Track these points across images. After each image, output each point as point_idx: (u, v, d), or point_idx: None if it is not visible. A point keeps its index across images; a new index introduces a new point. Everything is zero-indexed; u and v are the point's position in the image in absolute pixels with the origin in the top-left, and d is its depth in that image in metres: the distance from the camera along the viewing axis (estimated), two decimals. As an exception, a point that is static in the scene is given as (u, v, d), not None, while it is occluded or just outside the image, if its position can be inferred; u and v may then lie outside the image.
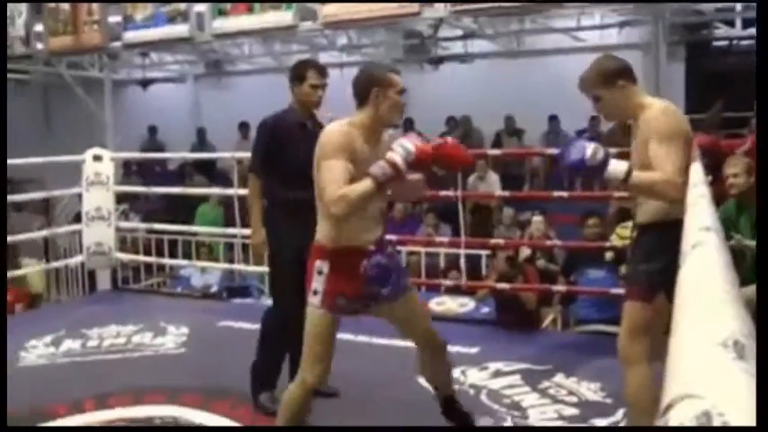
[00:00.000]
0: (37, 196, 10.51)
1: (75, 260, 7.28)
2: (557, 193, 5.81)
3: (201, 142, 13.59)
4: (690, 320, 1.23)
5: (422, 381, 4.32)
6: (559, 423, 3.76)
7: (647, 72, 10.19)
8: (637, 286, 3.08)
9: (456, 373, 4.41)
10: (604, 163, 2.89)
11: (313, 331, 3.06)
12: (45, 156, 7.32)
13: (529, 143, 11.64)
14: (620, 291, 5.80)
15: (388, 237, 7.13)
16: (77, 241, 7.24)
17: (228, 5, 8.86)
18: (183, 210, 10.08)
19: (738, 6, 10.30)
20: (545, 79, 11.31)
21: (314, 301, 3.03)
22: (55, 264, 7.59)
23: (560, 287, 5.97)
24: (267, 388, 4.02)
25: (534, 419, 3.65)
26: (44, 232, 7.95)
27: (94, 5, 9.89)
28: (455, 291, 6.45)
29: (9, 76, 13.42)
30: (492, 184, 9.38)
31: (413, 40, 12.53)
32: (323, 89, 4.08)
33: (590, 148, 2.91)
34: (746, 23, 10.95)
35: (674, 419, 0.84)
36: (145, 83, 15.12)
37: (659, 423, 0.88)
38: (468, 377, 4.41)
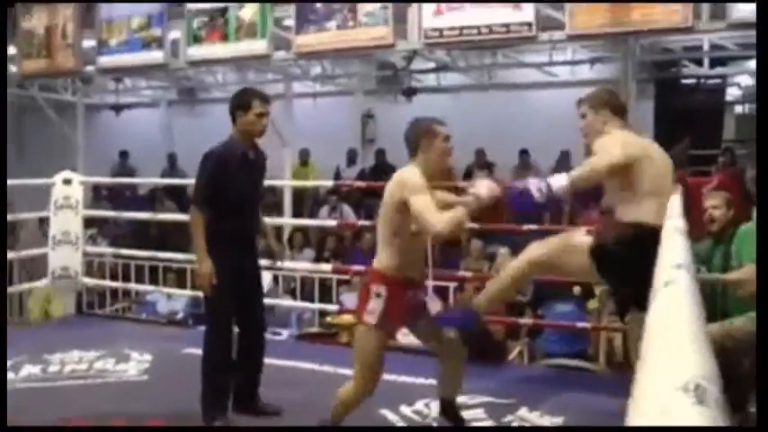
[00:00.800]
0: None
1: (40, 284, 7.19)
2: (526, 227, 5.84)
3: (172, 168, 13.55)
4: (653, 362, 1.24)
5: (385, 412, 4.32)
6: (521, 456, 3.76)
7: (617, 108, 10.34)
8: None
9: (420, 405, 4.41)
10: (551, 193, 3.24)
11: (368, 346, 3.49)
12: (16, 178, 7.25)
13: (500, 176, 11.72)
14: (587, 325, 5.87)
15: (356, 267, 7.14)
16: (43, 264, 7.16)
17: (203, 33, 8.89)
18: (152, 235, 10.02)
19: (706, 46, 10.50)
20: (516, 113, 11.44)
21: (369, 319, 3.42)
22: (19, 287, 7.49)
23: (527, 320, 5.99)
24: (220, 413, 4.03)
25: (497, 453, 3.65)
26: (10, 255, 7.85)
27: (69, 29, 9.88)
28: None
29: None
30: (462, 217, 9.39)
31: (386, 72, 12.63)
32: (267, 117, 4.09)
33: (533, 187, 3.29)
34: (714, 62, 11.16)
35: None
36: (118, 108, 15.09)
37: None
38: (433, 410, 4.39)
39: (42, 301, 7.59)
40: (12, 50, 10.47)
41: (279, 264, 4.83)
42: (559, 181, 3.27)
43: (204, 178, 3.99)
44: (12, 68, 10.54)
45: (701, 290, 3.25)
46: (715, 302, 3.88)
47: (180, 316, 7.77)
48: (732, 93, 11.70)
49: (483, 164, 11.94)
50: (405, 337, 6.21)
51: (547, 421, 4.20)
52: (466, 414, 4.33)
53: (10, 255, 7.82)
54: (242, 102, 4.05)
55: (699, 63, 11.24)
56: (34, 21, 10.14)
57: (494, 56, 11.57)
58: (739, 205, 4.25)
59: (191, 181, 6.28)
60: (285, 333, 6.91)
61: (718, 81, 11.73)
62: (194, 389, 4.31)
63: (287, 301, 7.22)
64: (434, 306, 3.80)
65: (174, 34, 9.32)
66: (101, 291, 7.68)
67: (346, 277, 7.33)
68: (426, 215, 3.22)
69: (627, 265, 3.27)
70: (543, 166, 10.89)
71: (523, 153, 11.59)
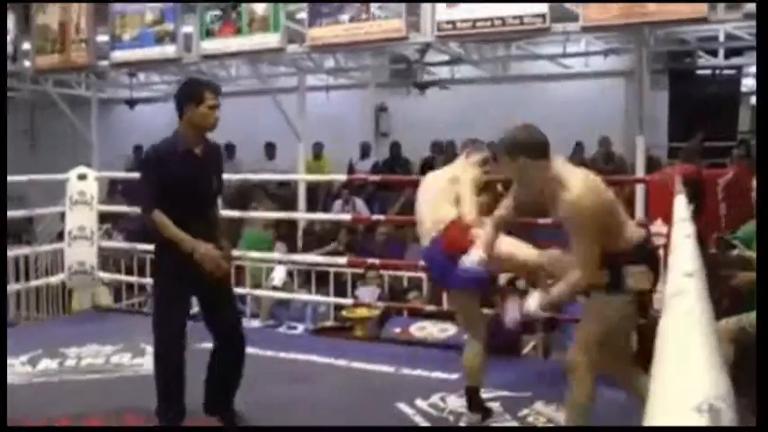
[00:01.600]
0: (19, 214, 10.50)
1: (56, 279, 7.23)
2: (542, 221, 5.81)
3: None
4: (666, 382, 1.23)
5: (401, 405, 4.33)
6: (538, 450, 3.75)
7: (631, 99, 10.29)
8: None
9: (436, 399, 4.41)
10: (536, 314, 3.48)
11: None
12: (29, 173, 7.29)
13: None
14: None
15: (371, 260, 7.12)
16: (59, 260, 7.20)
17: (216, 27, 8.89)
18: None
19: (721, 36, 10.42)
20: (530, 105, 11.39)
21: None
22: (35, 282, 7.52)
23: (543, 314, 5.96)
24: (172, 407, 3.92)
25: (513, 447, 3.64)
26: (26, 250, 7.90)
27: (82, 24, 9.90)
28: (437, 316, 6.44)
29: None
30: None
31: (399, 65, 12.60)
32: (218, 110, 3.80)
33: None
34: (729, 53, 11.08)
35: None
36: (131, 102, 15.12)
37: None
38: (449, 404, 4.40)
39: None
40: (26, 46, 10.51)
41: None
42: (535, 303, 3.42)
43: (145, 184, 3.78)
44: (26, 64, 10.57)
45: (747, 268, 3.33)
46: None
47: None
48: (747, 84, 11.61)
49: (494, 156, 11.88)
50: (420, 331, 6.23)
51: (562, 416, 4.18)
52: (481, 408, 4.34)
53: (26, 250, 7.88)
54: (192, 93, 3.75)
55: (714, 54, 11.17)
56: (48, 16, 10.15)
57: (507, 48, 11.53)
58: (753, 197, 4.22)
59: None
60: (300, 327, 6.92)
61: (733, 72, 11.64)
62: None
63: (302, 295, 7.22)
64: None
65: (187, 28, 9.32)
66: (116, 285, 7.70)
67: (360, 271, 7.32)
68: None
69: None
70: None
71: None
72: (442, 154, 11.91)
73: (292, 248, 8.80)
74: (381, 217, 8.63)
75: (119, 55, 9.77)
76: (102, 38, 9.94)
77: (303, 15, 8.59)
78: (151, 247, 6.81)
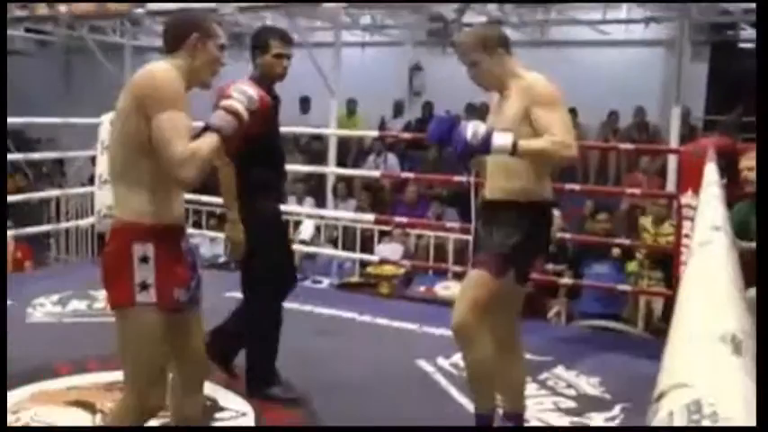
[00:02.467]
0: (51, 156, 10.62)
1: (86, 222, 7.32)
2: (568, 186, 5.79)
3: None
4: (690, 314, 1.23)
5: (422, 363, 4.36)
6: (556, 415, 3.77)
7: (670, 70, 10.12)
8: (489, 257, 3.00)
9: (457, 358, 4.43)
10: (487, 139, 2.83)
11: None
12: (64, 117, 7.35)
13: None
14: (627, 287, 5.84)
15: (399, 219, 7.14)
16: (89, 203, 7.29)
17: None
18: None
19: (767, 9, 10.20)
20: (567, 71, 11.21)
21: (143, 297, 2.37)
22: (65, 224, 7.62)
23: (566, 280, 5.97)
24: (275, 381, 3.81)
25: (531, 410, 3.65)
26: (56, 192, 8.00)
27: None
28: (462, 276, 6.46)
29: (31, 36, 13.49)
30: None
31: (437, 24, 12.48)
32: (288, 59, 3.69)
33: (470, 128, 2.85)
34: (774, 26, 10.84)
35: (665, 407, 0.84)
36: (165, 51, 15.13)
37: (651, 411, 0.88)
38: (469, 363, 4.42)
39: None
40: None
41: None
42: (504, 141, 2.83)
43: None
44: (62, 9, 10.59)
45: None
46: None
47: (222, 259, 7.87)
48: (791, 58, 11.37)
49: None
50: (445, 290, 6.26)
51: (583, 381, 4.20)
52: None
53: (56, 192, 7.98)
54: (259, 41, 3.67)
55: (757, 26, 10.95)
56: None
57: (546, 12, 11.37)
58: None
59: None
60: (326, 281, 6.97)
61: (776, 45, 11.41)
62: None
63: (328, 250, 7.26)
64: None
65: (226, -21, 9.30)
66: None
67: (387, 228, 7.35)
68: (170, 146, 2.29)
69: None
70: (591, 126, 10.75)
71: (571, 111, 11.40)
72: (475, 115, 11.84)
73: (321, 203, 8.84)
74: (411, 175, 8.62)
75: (155, 3, 9.77)
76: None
77: (342, -31, 8.54)
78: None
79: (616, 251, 6.19)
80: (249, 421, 3.57)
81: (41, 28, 12.94)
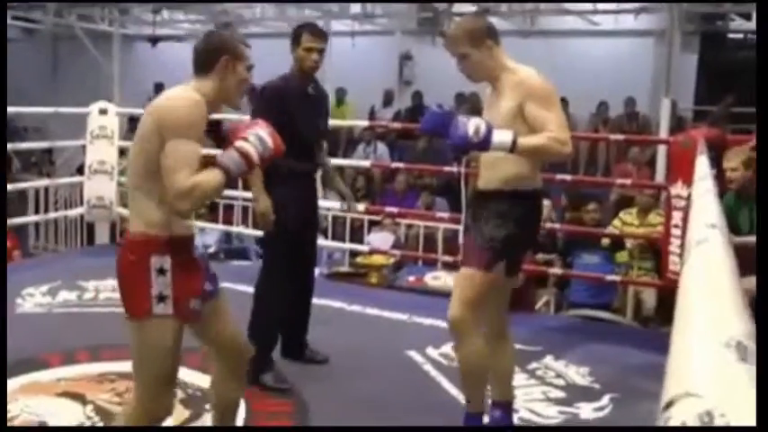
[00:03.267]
0: (40, 146, 10.56)
1: (75, 212, 7.29)
2: (559, 176, 5.80)
3: (208, 102, 13.54)
4: (692, 319, 1.24)
5: (411, 353, 4.37)
6: (544, 405, 3.79)
7: (659, 60, 10.15)
8: (477, 252, 3.02)
9: (446, 348, 4.45)
10: (488, 135, 2.81)
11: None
12: (50, 106, 7.31)
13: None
14: (616, 278, 5.86)
15: (389, 209, 7.15)
16: (78, 193, 7.26)
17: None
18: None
19: (756, -1, 10.22)
20: (556, 61, 11.24)
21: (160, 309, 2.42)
22: (53, 214, 7.59)
23: (556, 270, 5.98)
24: (269, 367, 3.86)
25: (520, 400, 3.67)
26: (46, 182, 7.96)
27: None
28: (452, 266, 6.47)
29: (18, 23, 13.39)
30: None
31: (427, 13, 12.46)
32: (319, 53, 3.88)
33: (471, 125, 2.82)
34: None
35: (675, 417, 0.85)
36: (154, 40, 15.04)
37: (660, 419, 0.89)
38: (459, 353, 4.43)
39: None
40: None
41: (351, 208, 4.72)
42: (504, 138, 2.81)
43: (258, 113, 3.68)
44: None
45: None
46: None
47: (212, 250, 7.85)
48: (780, 49, 11.40)
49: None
50: (435, 280, 6.26)
51: (572, 371, 4.22)
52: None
53: (45, 182, 7.94)
54: (294, 35, 3.90)
55: (747, 17, 10.95)
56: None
57: (536, 1, 11.37)
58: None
59: (228, 115, 6.28)
60: (315, 271, 6.95)
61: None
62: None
63: (318, 240, 7.25)
64: None
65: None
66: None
67: (377, 218, 7.34)
68: (173, 175, 2.33)
69: None
70: (581, 116, 10.77)
71: (561, 101, 11.42)
72: (465, 105, 11.84)
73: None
74: (401, 164, 8.62)
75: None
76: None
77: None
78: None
79: (605, 241, 6.22)
80: (240, 410, 3.57)
81: (29, 15, 12.84)
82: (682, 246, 3.85)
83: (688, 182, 4.28)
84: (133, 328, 2.45)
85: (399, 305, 5.33)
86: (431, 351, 4.42)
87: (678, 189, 4.71)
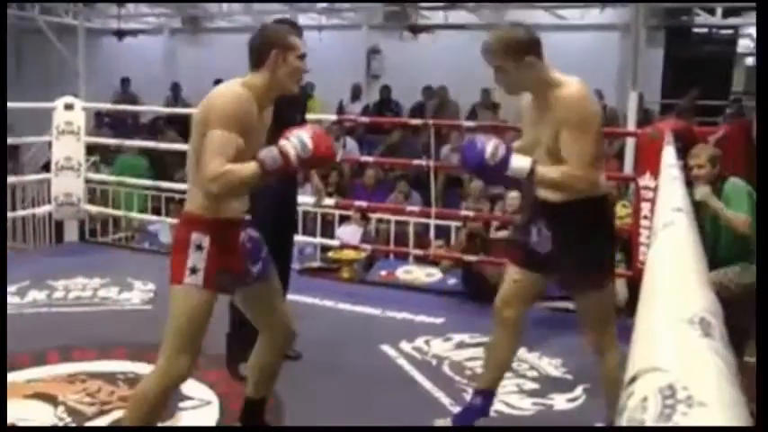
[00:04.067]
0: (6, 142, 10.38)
1: (43, 210, 7.20)
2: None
3: (176, 97, 13.45)
4: (657, 297, 1.25)
5: (385, 347, 4.38)
6: (519, 397, 3.82)
7: (625, 54, 10.24)
8: (591, 276, 2.96)
9: (420, 342, 4.47)
10: (505, 161, 2.73)
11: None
12: (15, 101, 7.20)
13: (504, 117, 11.66)
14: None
15: (359, 203, 7.15)
16: (46, 190, 7.17)
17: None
18: (157, 164, 9.99)
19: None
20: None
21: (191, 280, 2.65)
22: (21, 212, 7.49)
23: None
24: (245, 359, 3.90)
25: (495, 392, 3.69)
26: (12, 179, 7.85)
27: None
28: (423, 260, 6.50)
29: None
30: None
31: (393, 7, 12.45)
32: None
33: (489, 147, 2.73)
34: (727, 12, 11.01)
35: (638, 391, 0.86)
36: (120, 33, 14.90)
37: (624, 394, 0.89)
38: (432, 347, 4.45)
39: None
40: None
41: (318, 202, 4.84)
42: (521, 165, 2.75)
43: None
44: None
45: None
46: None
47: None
48: (744, 44, 11.56)
49: (488, 104, 11.88)
50: (407, 274, 6.28)
51: (545, 362, 4.26)
52: (464, 352, 4.40)
53: (12, 179, 7.83)
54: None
55: (711, 12, 11.10)
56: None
57: (504, -3, 11.43)
58: (743, 156, 4.21)
59: (194, 110, 6.22)
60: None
61: (730, 32, 11.59)
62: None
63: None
64: None
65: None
66: (103, 219, 7.68)
67: (348, 213, 7.34)
68: (210, 162, 2.53)
69: None
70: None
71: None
72: (433, 99, 11.87)
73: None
74: (370, 158, 8.62)
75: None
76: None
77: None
78: (138, 181, 6.80)
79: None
80: (214, 410, 3.56)
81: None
82: (650, 237, 3.89)
83: (656, 173, 4.32)
84: (170, 291, 2.70)
85: (372, 300, 5.34)
86: (404, 345, 4.43)
87: (646, 180, 4.76)
